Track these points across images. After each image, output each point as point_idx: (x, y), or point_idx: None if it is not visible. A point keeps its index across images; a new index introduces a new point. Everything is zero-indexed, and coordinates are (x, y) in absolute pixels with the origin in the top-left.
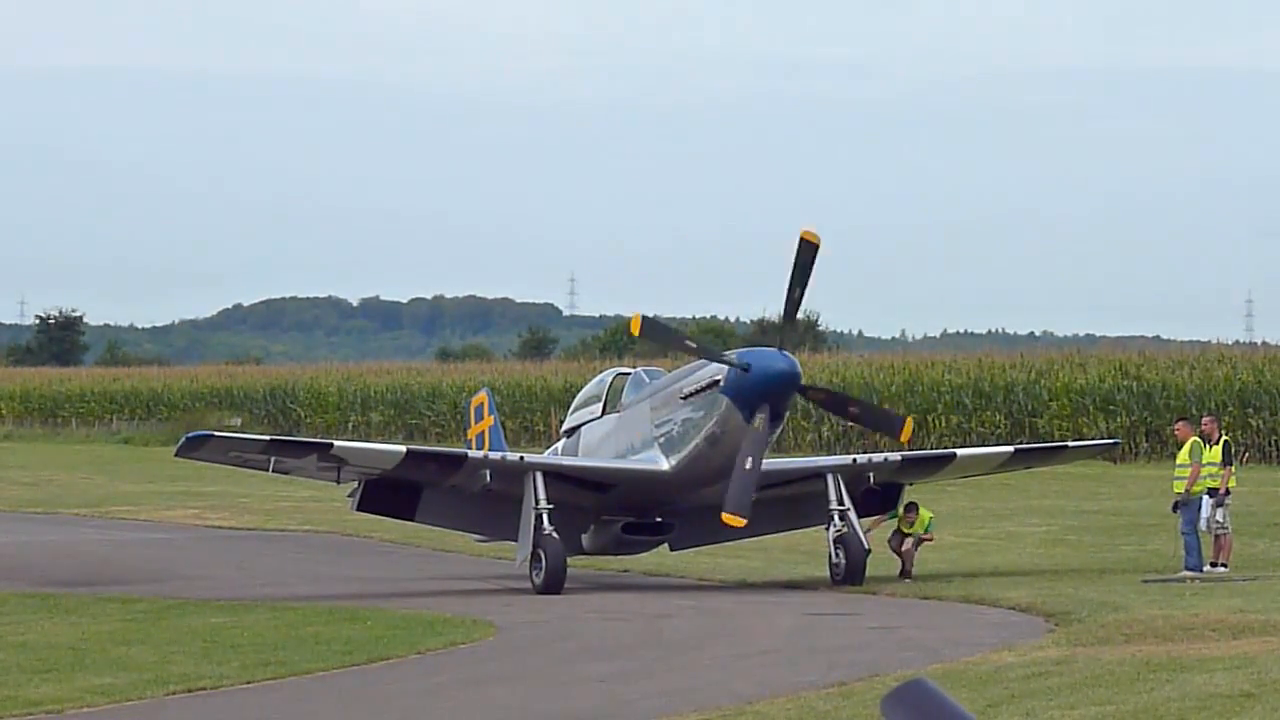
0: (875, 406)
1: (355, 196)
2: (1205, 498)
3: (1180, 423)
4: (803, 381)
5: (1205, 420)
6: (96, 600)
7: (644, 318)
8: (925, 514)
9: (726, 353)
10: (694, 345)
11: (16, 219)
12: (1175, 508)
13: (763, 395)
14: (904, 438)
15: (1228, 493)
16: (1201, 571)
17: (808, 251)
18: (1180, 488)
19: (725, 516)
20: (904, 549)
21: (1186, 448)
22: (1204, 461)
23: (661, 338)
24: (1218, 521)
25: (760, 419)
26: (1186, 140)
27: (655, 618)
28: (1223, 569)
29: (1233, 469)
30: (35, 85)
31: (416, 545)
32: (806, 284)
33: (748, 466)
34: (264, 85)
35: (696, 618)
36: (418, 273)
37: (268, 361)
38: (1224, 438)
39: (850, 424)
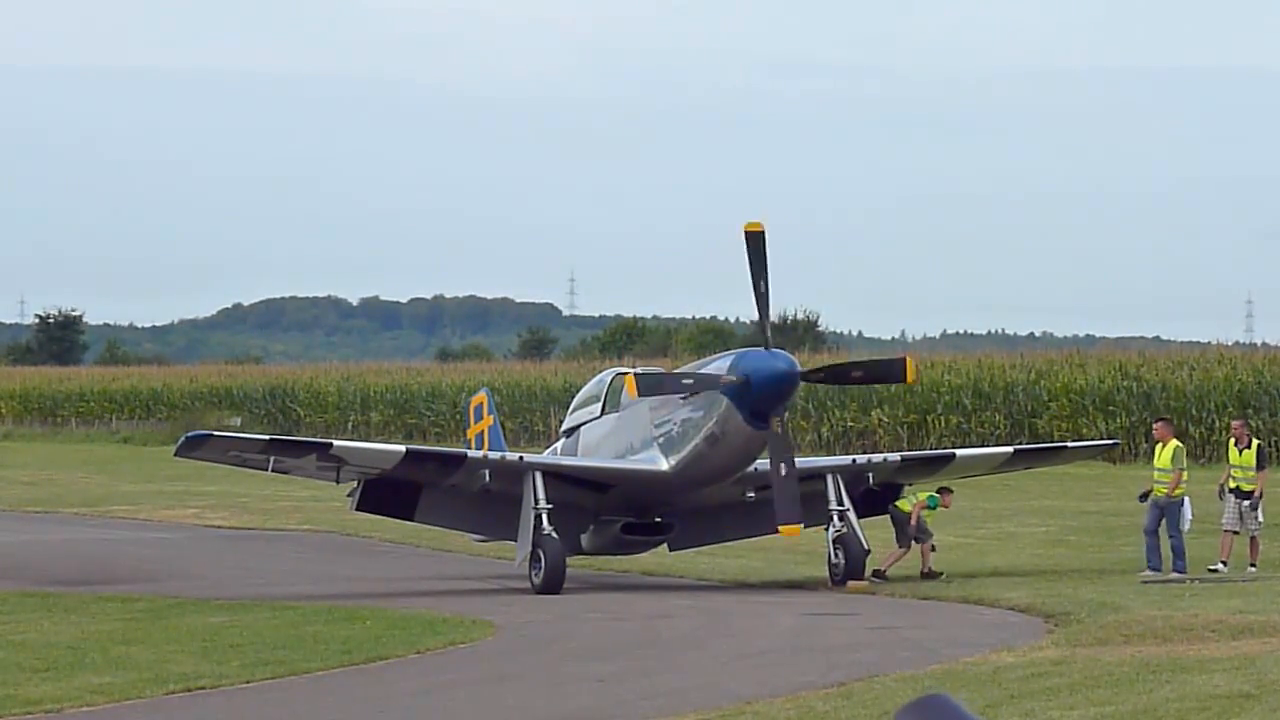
0: (874, 361)
1: (355, 196)
2: (1186, 500)
3: (1159, 423)
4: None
5: (1235, 425)
6: (96, 599)
7: (637, 377)
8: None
9: (720, 360)
10: (690, 381)
11: (17, 219)
12: (1143, 497)
13: (768, 400)
14: (910, 379)
15: (1253, 493)
16: (1209, 570)
17: (756, 243)
18: (1162, 490)
19: (781, 529)
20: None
21: (1168, 450)
22: (1237, 464)
23: (659, 388)
24: (1258, 521)
25: (775, 421)
26: (1187, 140)
27: (654, 618)
28: (1252, 569)
29: (1266, 473)
30: (35, 84)
31: (416, 545)
32: (767, 275)
33: (783, 473)
34: (263, 84)
35: (696, 618)
36: (417, 273)
37: (267, 361)
38: (1256, 441)
39: (851, 424)
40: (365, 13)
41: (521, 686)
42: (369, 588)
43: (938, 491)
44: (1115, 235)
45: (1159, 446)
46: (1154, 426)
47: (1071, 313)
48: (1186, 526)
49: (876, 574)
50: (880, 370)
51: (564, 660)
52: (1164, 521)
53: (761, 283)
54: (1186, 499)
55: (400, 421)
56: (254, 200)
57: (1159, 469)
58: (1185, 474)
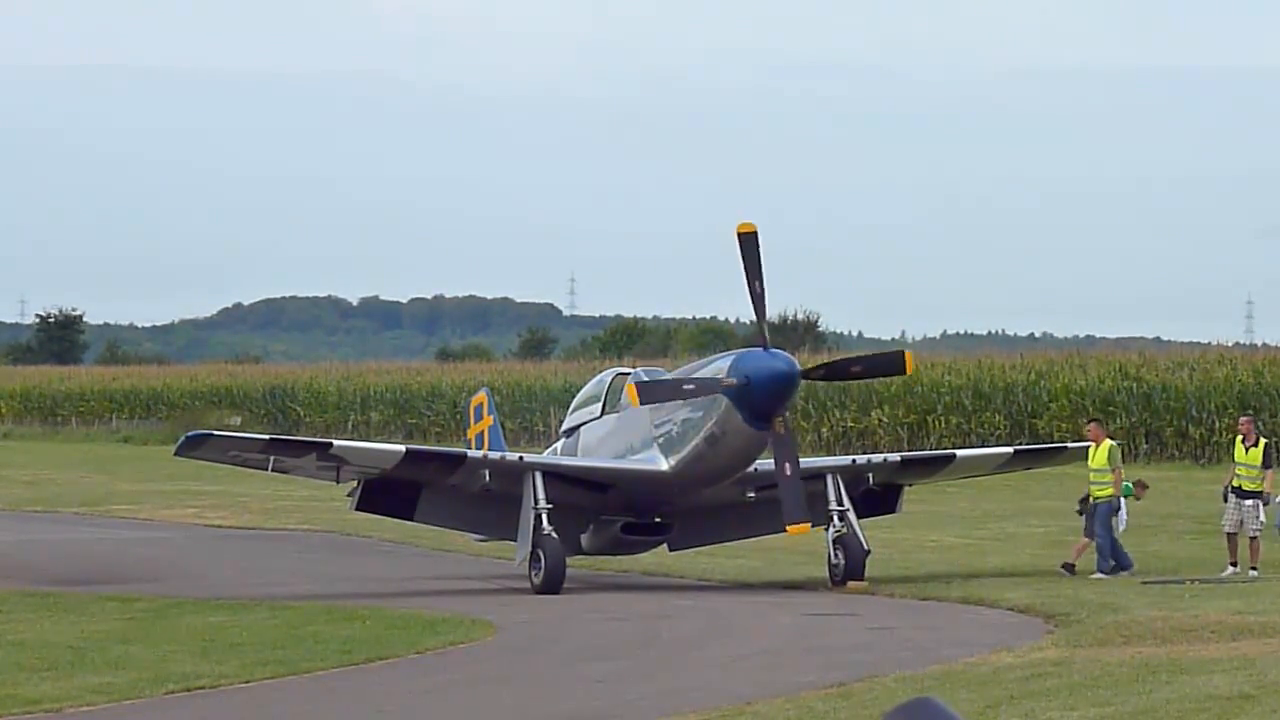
0: (872, 355)
1: (355, 195)
2: (1122, 500)
3: (1092, 424)
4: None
5: (1243, 421)
6: (95, 599)
7: (639, 385)
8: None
9: (720, 361)
10: (691, 386)
11: (16, 218)
12: (1084, 506)
13: (768, 400)
14: (909, 370)
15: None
16: (1106, 575)
17: (750, 244)
18: (1100, 492)
19: (789, 529)
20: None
21: (1104, 450)
22: (1242, 462)
23: (660, 395)
24: (1261, 522)
25: (778, 422)
26: (1187, 139)
27: (654, 618)
28: (1254, 573)
29: (1274, 472)
30: (35, 83)
31: (416, 545)
32: (762, 275)
33: (788, 473)
34: (263, 83)
35: (696, 618)
36: (417, 272)
37: (267, 360)
38: (1263, 440)
39: (851, 424)
40: (365, 13)
41: (521, 686)
42: (369, 588)
43: (1134, 483)
44: (1115, 235)
45: (1092, 447)
46: (1087, 428)
47: (1071, 313)
48: (1121, 528)
49: (1066, 566)
50: (879, 363)
51: (564, 660)
52: (1093, 520)
53: (756, 283)
54: (1123, 500)
55: (400, 421)
56: (254, 200)
57: (1095, 469)
58: (1122, 473)
